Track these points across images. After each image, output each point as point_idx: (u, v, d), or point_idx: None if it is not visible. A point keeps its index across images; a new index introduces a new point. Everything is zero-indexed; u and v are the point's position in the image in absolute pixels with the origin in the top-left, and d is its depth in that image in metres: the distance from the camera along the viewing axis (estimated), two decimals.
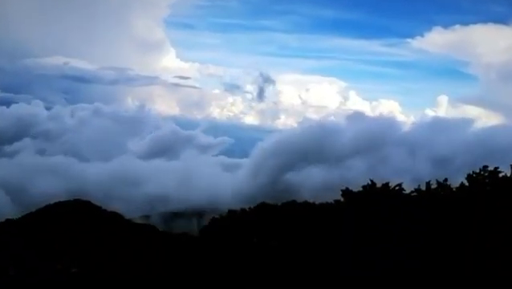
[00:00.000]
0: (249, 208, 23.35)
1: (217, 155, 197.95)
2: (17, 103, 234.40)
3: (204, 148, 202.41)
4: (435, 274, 18.95)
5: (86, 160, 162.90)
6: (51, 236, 25.15)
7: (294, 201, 23.03)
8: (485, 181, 21.07)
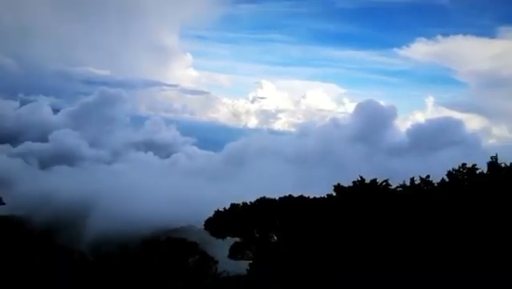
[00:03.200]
0: (250, 202, 25.45)
1: None
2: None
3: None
4: (423, 265, 20.85)
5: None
6: None
7: (290, 196, 25.09)
8: (464, 177, 23.05)
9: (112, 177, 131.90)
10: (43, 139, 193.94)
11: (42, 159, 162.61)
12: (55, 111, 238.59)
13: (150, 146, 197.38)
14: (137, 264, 25.80)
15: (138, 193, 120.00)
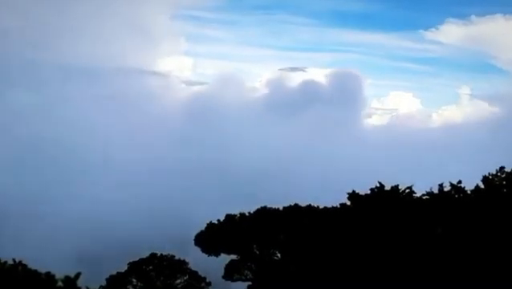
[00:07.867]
0: (249, 212, 21.98)
1: None
2: None
3: None
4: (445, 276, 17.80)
5: None
6: None
7: (296, 205, 21.64)
8: (502, 183, 19.76)
9: None
10: None
11: None
12: None
13: None
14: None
15: None
